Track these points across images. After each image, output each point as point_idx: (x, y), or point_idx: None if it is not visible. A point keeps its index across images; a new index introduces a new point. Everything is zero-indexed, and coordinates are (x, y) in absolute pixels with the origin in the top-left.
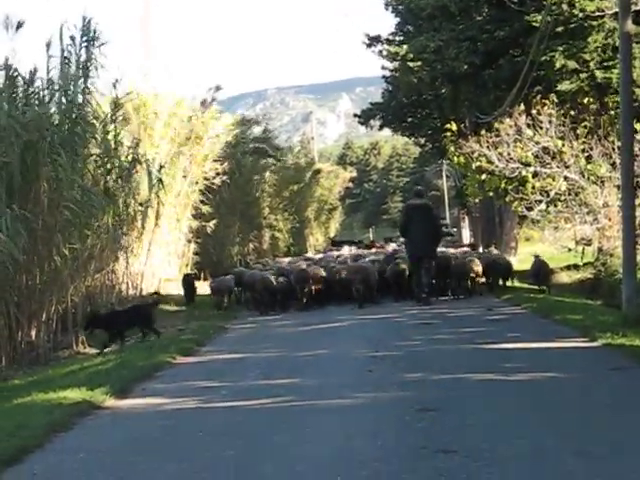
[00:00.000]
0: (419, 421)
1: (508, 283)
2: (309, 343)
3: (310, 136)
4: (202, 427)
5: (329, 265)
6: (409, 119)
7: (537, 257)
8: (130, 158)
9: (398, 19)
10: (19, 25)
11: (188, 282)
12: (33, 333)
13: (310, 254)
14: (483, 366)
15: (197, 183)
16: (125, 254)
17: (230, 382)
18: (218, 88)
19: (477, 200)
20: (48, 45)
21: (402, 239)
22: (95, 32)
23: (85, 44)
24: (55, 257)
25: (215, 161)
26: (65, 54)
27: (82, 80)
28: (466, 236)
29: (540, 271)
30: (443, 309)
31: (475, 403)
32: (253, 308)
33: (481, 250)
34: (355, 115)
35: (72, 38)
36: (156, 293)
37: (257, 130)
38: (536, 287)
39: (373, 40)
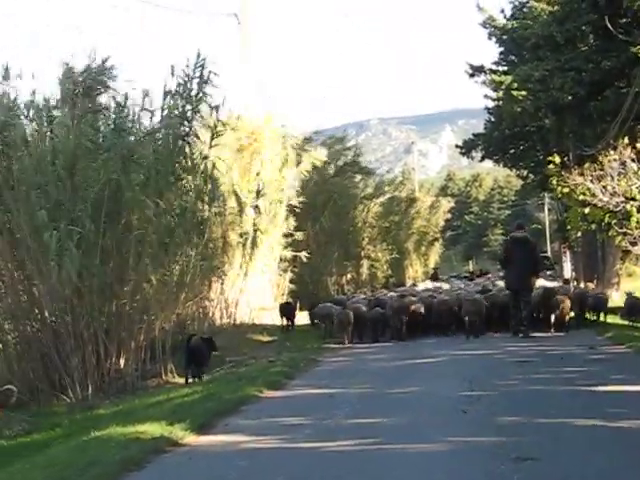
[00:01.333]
0: (516, 471)
1: (602, 319)
2: (402, 379)
3: (412, 167)
4: (282, 470)
5: (430, 296)
6: (511, 151)
7: (630, 294)
8: (227, 188)
9: (501, 49)
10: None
11: (287, 310)
12: (122, 361)
13: (423, 285)
14: (585, 410)
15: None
16: (221, 282)
17: (316, 420)
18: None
19: (579, 234)
20: (165, 83)
21: (501, 272)
22: (209, 72)
23: (197, 80)
24: (144, 284)
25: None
26: (177, 88)
27: (190, 114)
28: (567, 270)
29: (634, 307)
30: (543, 346)
31: (576, 452)
32: (346, 336)
33: (582, 285)
34: (457, 146)
35: (187, 76)
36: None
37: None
38: (633, 324)
39: (476, 70)
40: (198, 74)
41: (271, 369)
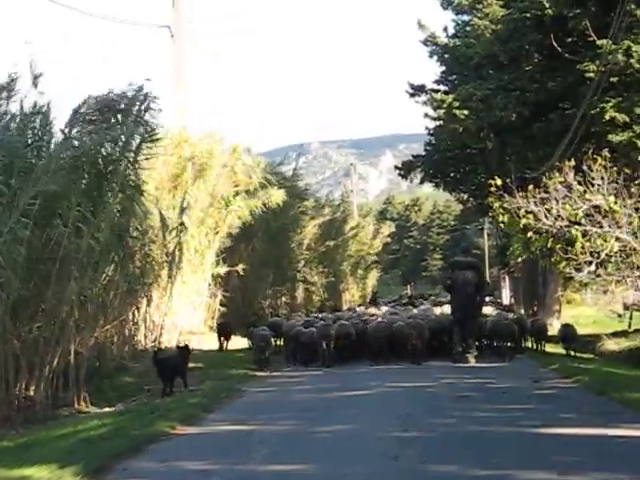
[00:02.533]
0: None
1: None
2: (329, 415)
3: (350, 189)
4: None
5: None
6: (451, 174)
7: (565, 324)
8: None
9: (443, 68)
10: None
11: (223, 329)
12: (32, 388)
13: (360, 309)
14: (532, 459)
15: (217, 230)
16: (146, 304)
17: (228, 464)
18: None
19: (520, 260)
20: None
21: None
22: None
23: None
24: (64, 305)
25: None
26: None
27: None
28: (506, 297)
29: (567, 335)
30: (483, 378)
31: None
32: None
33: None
34: (396, 167)
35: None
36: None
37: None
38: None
39: (417, 90)
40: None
41: (189, 400)
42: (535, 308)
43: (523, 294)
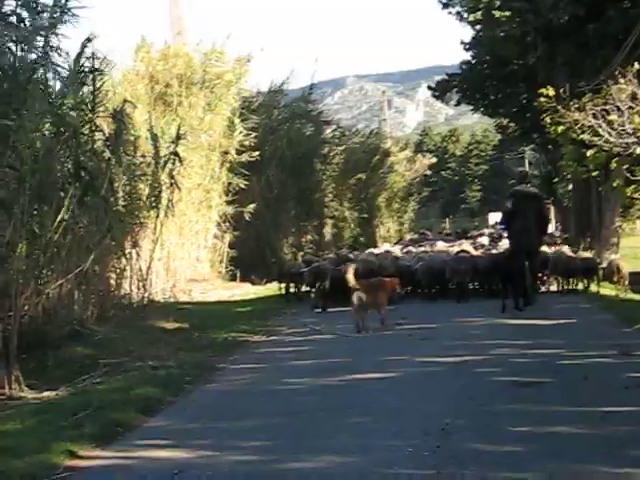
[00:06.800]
0: None
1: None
2: (320, 427)
3: (382, 118)
4: None
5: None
6: (491, 96)
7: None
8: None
9: None
10: None
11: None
12: None
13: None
14: None
15: (227, 153)
16: (133, 248)
17: None
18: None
19: (569, 187)
20: None
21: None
22: None
23: None
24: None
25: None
26: None
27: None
28: (551, 229)
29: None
30: (550, 348)
31: None
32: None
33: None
34: (429, 87)
35: None
36: None
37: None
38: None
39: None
40: None
41: (137, 389)
42: (589, 240)
43: (575, 226)
